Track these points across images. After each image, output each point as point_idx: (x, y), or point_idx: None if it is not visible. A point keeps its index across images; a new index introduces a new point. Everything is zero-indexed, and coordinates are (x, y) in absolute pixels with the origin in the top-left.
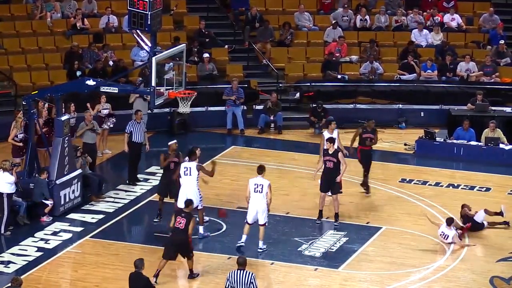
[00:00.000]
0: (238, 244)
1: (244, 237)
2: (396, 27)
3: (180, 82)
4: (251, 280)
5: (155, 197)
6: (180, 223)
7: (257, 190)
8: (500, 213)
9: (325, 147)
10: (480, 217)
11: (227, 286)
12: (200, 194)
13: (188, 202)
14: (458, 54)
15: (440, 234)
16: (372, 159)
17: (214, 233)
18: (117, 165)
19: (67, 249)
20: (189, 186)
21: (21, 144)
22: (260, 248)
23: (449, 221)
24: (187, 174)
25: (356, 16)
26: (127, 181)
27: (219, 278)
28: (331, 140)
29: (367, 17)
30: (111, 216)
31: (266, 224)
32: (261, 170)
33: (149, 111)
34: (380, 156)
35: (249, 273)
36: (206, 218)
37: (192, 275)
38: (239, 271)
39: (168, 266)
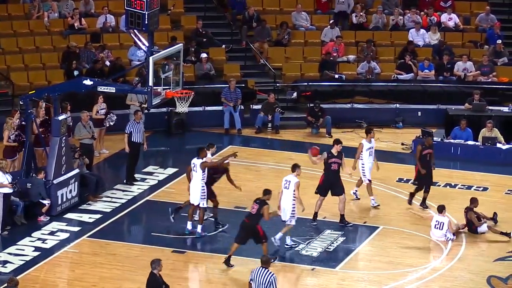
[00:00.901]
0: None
1: (278, 235)
2: (394, 27)
3: (177, 81)
4: (271, 280)
5: (152, 196)
6: (253, 208)
7: (285, 186)
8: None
9: (332, 150)
10: (482, 229)
11: (250, 281)
12: (203, 193)
13: (265, 192)
14: (455, 53)
15: (435, 226)
16: None
17: (213, 233)
18: (114, 164)
19: (64, 249)
20: (195, 182)
21: (15, 144)
22: (287, 244)
23: (440, 208)
24: (194, 170)
25: (352, 14)
26: (125, 181)
27: (218, 277)
28: (338, 142)
29: (362, 13)
30: (109, 215)
31: (289, 223)
32: (293, 168)
33: (146, 111)
34: (377, 156)
35: (271, 273)
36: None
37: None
38: (261, 268)
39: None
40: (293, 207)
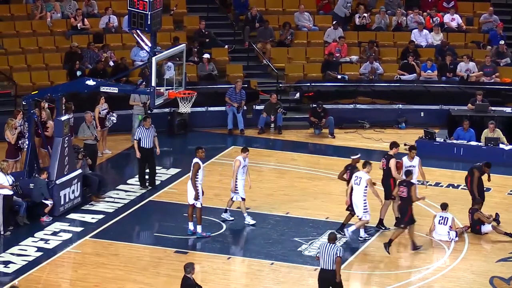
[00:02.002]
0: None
1: (352, 228)
2: (396, 27)
3: (180, 82)
4: (336, 251)
5: (155, 197)
6: (403, 192)
7: (356, 182)
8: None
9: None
10: (486, 230)
11: (316, 254)
12: (195, 191)
13: (408, 173)
14: (458, 54)
15: (439, 221)
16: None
17: (214, 233)
18: (117, 165)
19: (67, 249)
20: (189, 181)
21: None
22: (361, 237)
23: (444, 206)
24: (191, 170)
25: (355, 14)
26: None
27: (219, 278)
28: (396, 145)
29: (365, 14)
30: (111, 216)
31: (363, 218)
32: (364, 164)
33: (149, 111)
34: (380, 157)
35: (337, 246)
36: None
37: (415, 247)
38: (328, 244)
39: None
40: (365, 203)
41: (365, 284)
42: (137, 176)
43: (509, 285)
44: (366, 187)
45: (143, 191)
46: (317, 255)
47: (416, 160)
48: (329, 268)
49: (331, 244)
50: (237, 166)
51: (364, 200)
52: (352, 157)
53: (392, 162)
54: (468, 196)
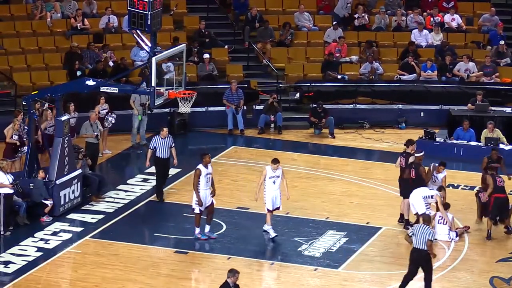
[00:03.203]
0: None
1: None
2: (396, 27)
3: (180, 82)
4: (430, 232)
5: (155, 197)
6: (501, 181)
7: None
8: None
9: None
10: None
11: (409, 233)
12: (196, 197)
13: (489, 169)
14: (458, 54)
15: (439, 221)
16: None
17: (214, 234)
18: (117, 165)
19: (67, 249)
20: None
21: (18, 142)
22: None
23: (446, 206)
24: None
25: (354, 15)
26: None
27: (219, 278)
28: (412, 142)
29: (364, 14)
30: (111, 216)
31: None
32: (439, 188)
33: (149, 111)
34: (380, 156)
35: (430, 229)
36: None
37: (509, 231)
38: (423, 225)
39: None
40: (427, 206)
41: (365, 284)
42: (137, 176)
43: (509, 285)
44: (432, 197)
45: (143, 191)
46: (410, 234)
47: (442, 175)
48: (420, 248)
49: (425, 226)
50: (263, 175)
51: (424, 200)
52: (416, 154)
53: (411, 160)
54: (469, 196)
